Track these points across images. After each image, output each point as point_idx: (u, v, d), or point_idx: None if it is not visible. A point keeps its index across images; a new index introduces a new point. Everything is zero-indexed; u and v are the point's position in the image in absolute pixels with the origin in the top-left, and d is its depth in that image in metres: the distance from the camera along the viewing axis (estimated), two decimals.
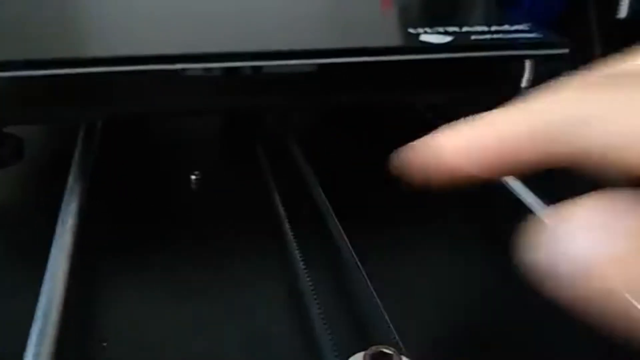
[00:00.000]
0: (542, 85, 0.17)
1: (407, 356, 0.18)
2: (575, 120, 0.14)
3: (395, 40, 0.31)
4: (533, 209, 0.26)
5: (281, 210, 0.26)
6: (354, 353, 0.18)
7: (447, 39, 0.30)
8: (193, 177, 0.30)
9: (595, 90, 0.15)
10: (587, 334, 0.20)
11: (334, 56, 0.30)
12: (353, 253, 0.23)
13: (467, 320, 0.21)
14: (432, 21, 0.32)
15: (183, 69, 0.36)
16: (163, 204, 0.28)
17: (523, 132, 0.16)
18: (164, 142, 0.35)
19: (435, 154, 0.17)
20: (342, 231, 0.24)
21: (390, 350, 0.17)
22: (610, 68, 0.17)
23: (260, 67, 0.37)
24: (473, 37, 0.31)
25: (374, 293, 0.21)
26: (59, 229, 0.23)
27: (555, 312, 0.21)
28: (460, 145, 0.17)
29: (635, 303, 0.13)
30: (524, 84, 0.32)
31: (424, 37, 0.31)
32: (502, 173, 0.17)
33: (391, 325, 0.19)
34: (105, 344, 0.20)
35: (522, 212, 0.25)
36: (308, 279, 0.21)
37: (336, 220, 0.25)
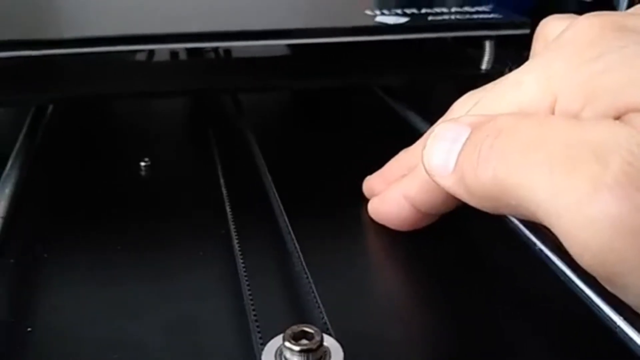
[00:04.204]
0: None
1: (331, 335, 0.17)
2: None
3: (350, 21, 0.30)
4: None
5: (225, 196, 0.25)
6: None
7: (403, 20, 0.30)
8: (142, 163, 0.29)
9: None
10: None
11: (287, 37, 0.29)
12: (294, 240, 0.22)
13: (401, 308, 0.21)
14: (390, 2, 0.32)
15: (141, 51, 0.35)
16: (107, 190, 0.27)
17: None
18: (116, 128, 0.34)
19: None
20: (286, 218, 0.23)
21: (311, 328, 0.16)
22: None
23: (215, 48, 0.36)
24: (430, 18, 0.30)
25: (311, 280, 0.20)
26: None
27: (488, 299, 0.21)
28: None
29: None
30: (484, 65, 0.31)
31: (380, 19, 0.30)
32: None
33: (322, 308, 0.18)
34: (30, 329, 0.19)
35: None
36: (243, 264, 0.21)
37: (282, 207, 0.24)
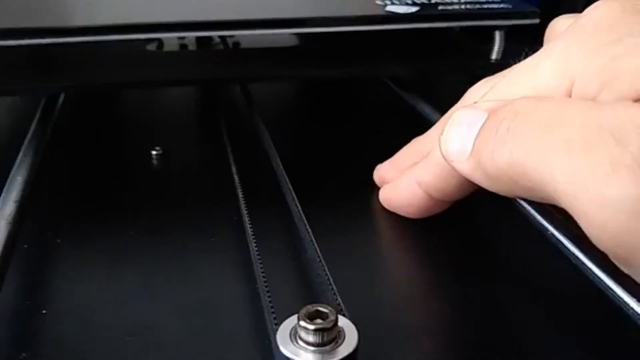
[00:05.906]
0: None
1: (344, 316, 0.17)
2: None
3: (360, 10, 0.30)
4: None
5: (237, 184, 0.25)
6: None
7: (414, 9, 0.30)
8: (154, 152, 0.29)
9: None
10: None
11: (296, 26, 0.29)
12: (307, 226, 0.22)
13: (413, 292, 0.21)
14: None
15: (152, 39, 0.35)
16: (119, 178, 0.27)
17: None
18: (127, 117, 0.34)
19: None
20: (298, 204, 0.23)
21: (326, 308, 0.16)
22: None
23: (224, 39, 0.36)
24: (440, 7, 0.30)
25: (324, 263, 0.20)
26: (1, 201, 0.22)
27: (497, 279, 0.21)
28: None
29: None
30: (494, 55, 0.31)
31: (390, 8, 0.30)
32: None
33: (335, 290, 0.18)
34: (45, 311, 0.20)
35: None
36: (256, 248, 0.21)
37: (293, 194, 0.24)
